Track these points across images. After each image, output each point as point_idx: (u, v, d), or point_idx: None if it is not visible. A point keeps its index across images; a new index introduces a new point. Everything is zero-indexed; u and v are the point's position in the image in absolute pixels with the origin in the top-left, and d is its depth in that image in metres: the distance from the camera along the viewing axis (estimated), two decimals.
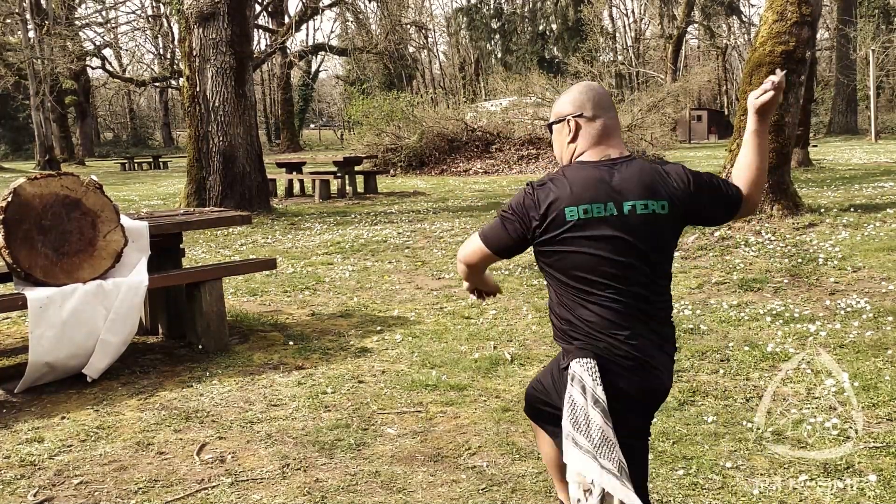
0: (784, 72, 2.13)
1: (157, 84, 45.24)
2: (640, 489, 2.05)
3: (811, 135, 19.65)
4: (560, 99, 2.21)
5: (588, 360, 2.00)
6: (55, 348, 4.04)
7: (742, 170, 2.17)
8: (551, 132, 2.24)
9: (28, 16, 27.42)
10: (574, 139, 2.14)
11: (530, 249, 2.14)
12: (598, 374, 1.98)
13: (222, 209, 8.65)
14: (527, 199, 2.06)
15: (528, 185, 2.10)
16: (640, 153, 20.09)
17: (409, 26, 42.24)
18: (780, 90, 2.09)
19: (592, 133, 2.12)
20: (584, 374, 1.99)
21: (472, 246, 2.21)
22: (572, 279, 2.03)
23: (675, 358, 2.14)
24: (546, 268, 2.11)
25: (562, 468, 2.44)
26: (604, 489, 1.91)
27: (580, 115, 2.13)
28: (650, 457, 3.08)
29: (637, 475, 2.04)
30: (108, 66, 44.35)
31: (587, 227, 1.99)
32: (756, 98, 2.11)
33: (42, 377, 4.08)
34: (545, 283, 2.17)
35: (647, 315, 2.04)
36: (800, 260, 6.49)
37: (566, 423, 1.99)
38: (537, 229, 2.03)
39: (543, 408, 2.31)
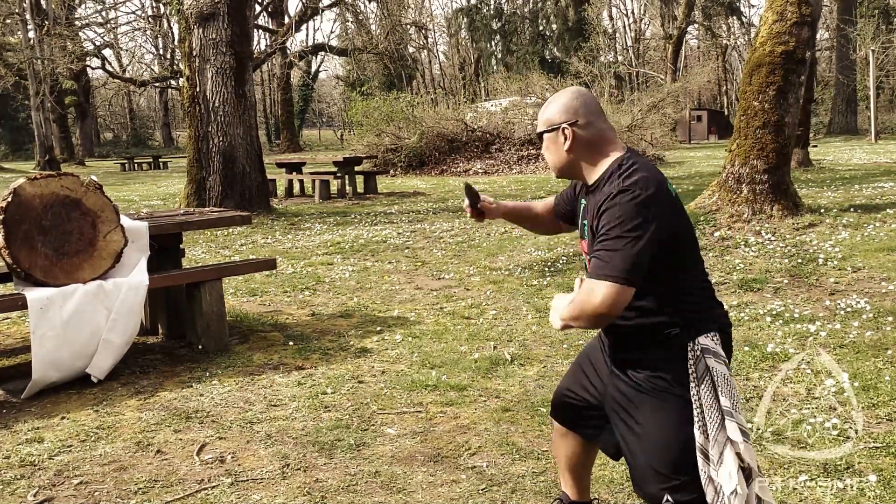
0: None
1: (157, 84, 45.26)
2: None
3: (811, 135, 19.65)
4: (548, 107, 2.14)
5: (713, 333, 2.03)
6: (58, 349, 4.04)
7: None
8: (541, 141, 2.17)
9: (28, 16, 27.40)
10: (571, 148, 2.09)
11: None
12: (720, 343, 2.03)
13: (222, 209, 8.65)
14: (664, 198, 1.96)
15: (646, 181, 1.94)
16: (640, 153, 20.07)
17: (409, 26, 42.26)
18: None
19: (592, 139, 2.08)
20: (711, 344, 2.01)
21: (602, 296, 1.89)
22: (686, 256, 2.05)
23: None
24: (667, 257, 1.98)
25: (579, 467, 2.46)
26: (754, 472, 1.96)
27: (574, 123, 2.08)
28: None
29: None
30: (108, 67, 44.38)
31: (678, 204, 2.05)
32: None
33: (47, 379, 4.07)
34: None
35: None
36: (800, 260, 6.49)
37: (724, 400, 1.96)
38: (674, 221, 2.04)
39: (584, 410, 2.31)
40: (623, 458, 2.22)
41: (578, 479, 2.51)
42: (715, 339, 2.02)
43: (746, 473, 1.95)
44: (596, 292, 1.89)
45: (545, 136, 2.14)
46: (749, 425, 1.97)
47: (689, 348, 2.00)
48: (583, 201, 2.19)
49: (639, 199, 1.91)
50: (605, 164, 2.07)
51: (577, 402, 2.34)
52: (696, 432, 1.96)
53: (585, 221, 2.13)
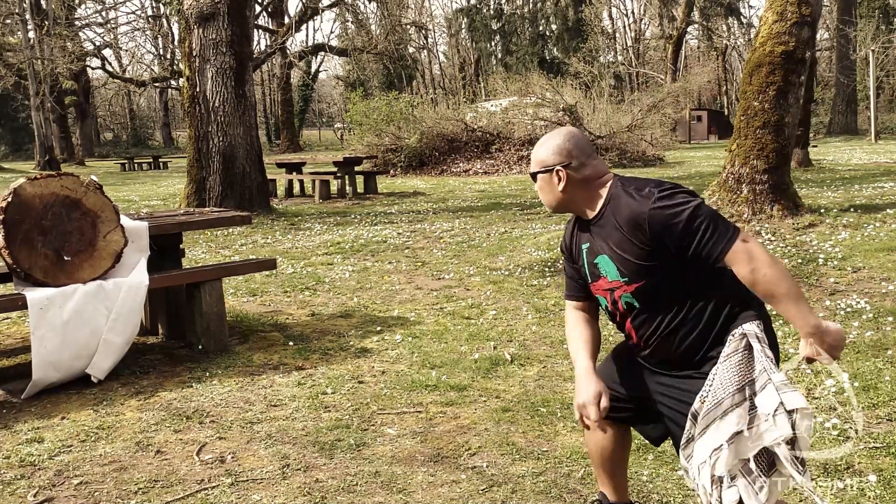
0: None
1: (156, 84, 45.24)
2: None
3: (811, 135, 19.65)
4: (542, 147, 2.23)
5: (759, 321, 2.08)
6: (58, 349, 4.04)
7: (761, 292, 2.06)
8: (535, 180, 2.27)
9: (28, 16, 27.42)
10: (566, 189, 2.19)
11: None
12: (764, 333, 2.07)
13: (222, 209, 8.65)
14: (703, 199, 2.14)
15: (674, 188, 2.10)
16: (640, 153, 20.10)
17: (409, 27, 42.24)
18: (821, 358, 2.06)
19: (586, 178, 2.18)
20: (758, 331, 2.05)
21: (778, 267, 2.03)
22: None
23: None
24: (706, 261, 2.06)
25: (613, 462, 2.45)
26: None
27: (567, 165, 2.18)
28: (650, 457, 3.09)
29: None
30: (108, 67, 44.39)
31: None
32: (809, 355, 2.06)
33: (48, 379, 4.07)
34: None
35: None
36: (800, 260, 6.48)
37: (778, 375, 1.99)
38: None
39: (625, 405, 2.32)
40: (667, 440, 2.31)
41: (612, 475, 2.48)
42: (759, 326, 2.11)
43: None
44: (750, 252, 1.98)
45: (539, 176, 2.24)
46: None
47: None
48: (585, 244, 2.24)
49: (668, 192, 2.06)
50: (602, 195, 2.18)
51: (613, 393, 2.33)
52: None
53: (601, 257, 2.17)
